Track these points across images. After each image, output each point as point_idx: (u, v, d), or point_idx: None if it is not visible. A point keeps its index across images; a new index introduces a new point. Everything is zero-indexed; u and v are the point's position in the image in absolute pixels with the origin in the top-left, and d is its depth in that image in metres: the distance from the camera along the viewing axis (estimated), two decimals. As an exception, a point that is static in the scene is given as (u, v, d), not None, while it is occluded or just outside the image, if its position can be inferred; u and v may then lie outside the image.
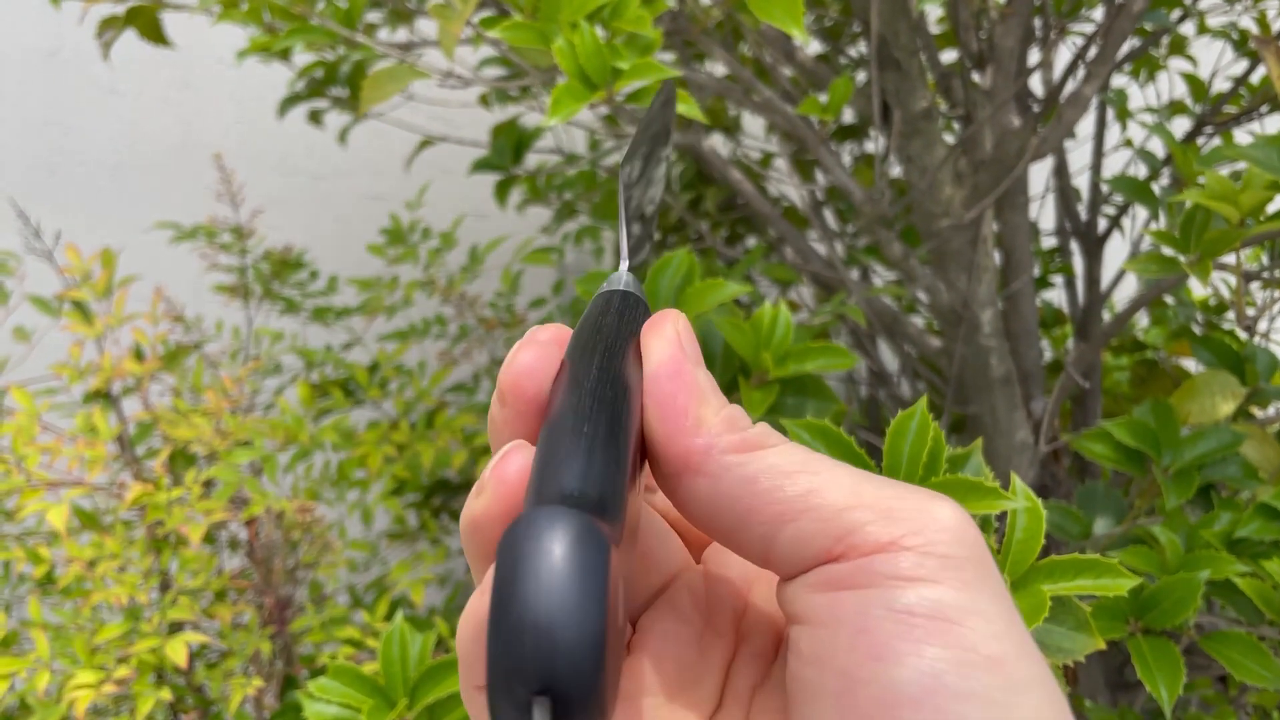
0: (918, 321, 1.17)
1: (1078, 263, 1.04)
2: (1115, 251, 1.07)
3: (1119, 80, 1.12)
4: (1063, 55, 1.15)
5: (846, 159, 1.17)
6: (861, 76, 1.01)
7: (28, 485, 0.72)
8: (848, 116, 1.11)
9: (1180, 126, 1.06)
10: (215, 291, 1.05)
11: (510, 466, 0.22)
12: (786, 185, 1.14)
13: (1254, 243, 0.61)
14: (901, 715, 0.20)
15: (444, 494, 1.01)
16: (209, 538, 0.83)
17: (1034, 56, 0.88)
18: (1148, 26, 0.89)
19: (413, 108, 1.06)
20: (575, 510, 0.20)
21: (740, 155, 1.14)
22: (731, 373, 0.60)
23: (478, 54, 1.05)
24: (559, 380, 0.24)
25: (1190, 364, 0.95)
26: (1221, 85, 1.05)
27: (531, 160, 1.08)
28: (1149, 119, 1.01)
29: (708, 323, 0.61)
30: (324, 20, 0.70)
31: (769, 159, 1.16)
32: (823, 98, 0.67)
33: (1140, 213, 1.05)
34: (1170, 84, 1.06)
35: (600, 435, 0.22)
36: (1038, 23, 0.88)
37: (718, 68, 1.10)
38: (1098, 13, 0.92)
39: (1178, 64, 1.05)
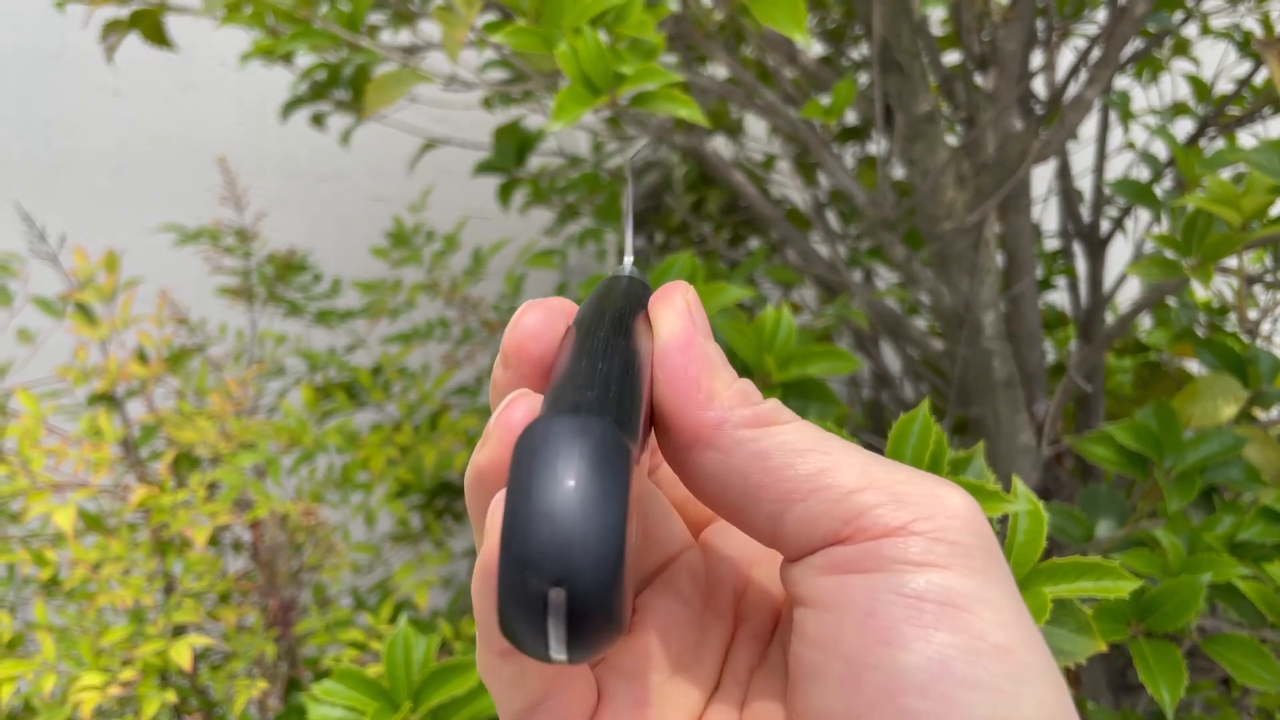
0: (920, 324, 1.17)
1: (1080, 265, 1.04)
2: (1118, 253, 1.07)
3: (1122, 82, 1.12)
4: (1065, 58, 1.15)
5: (849, 161, 1.17)
6: (864, 79, 1.01)
7: (33, 488, 0.73)
8: (850, 118, 1.11)
9: (1183, 128, 1.06)
10: (219, 294, 1.05)
11: (516, 413, 0.21)
12: (789, 187, 1.15)
13: (1256, 246, 0.61)
14: (908, 701, 0.20)
15: (447, 496, 1.01)
16: (213, 540, 0.83)
17: (1037, 59, 0.88)
18: (1150, 28, 0.89)
19: (415, 110, 1.06)
20: (595, 414, 0.19)
21: (743, 158, 1.14)
22: (734, 376, 0.60)
23: (481, 56, 1.05)
24: (564, 344, 0.23)
25: (1193, 365, 0.95)
26: (1225, 86, 1.05)
27: (534, 162, 1.08)
28: (1152, 121, 1.01)
29: (710, 326, 0.61)
30: (327, 24, 0.70)
31: (772, 161, 1.16)
32: (825, 100, 0.67)
33: (1143, 214, 1.05)
34: (1173, 85, 1.06)
35: (615, 372, 0.21)
36: (1040, 25, 0.88)
37: (720, 70, 1.11)
38: (1100, 15, 0.92)
39: (1181, 65, 1.05)
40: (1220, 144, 0.96)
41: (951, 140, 0.82)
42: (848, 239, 1.11)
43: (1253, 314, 0.85)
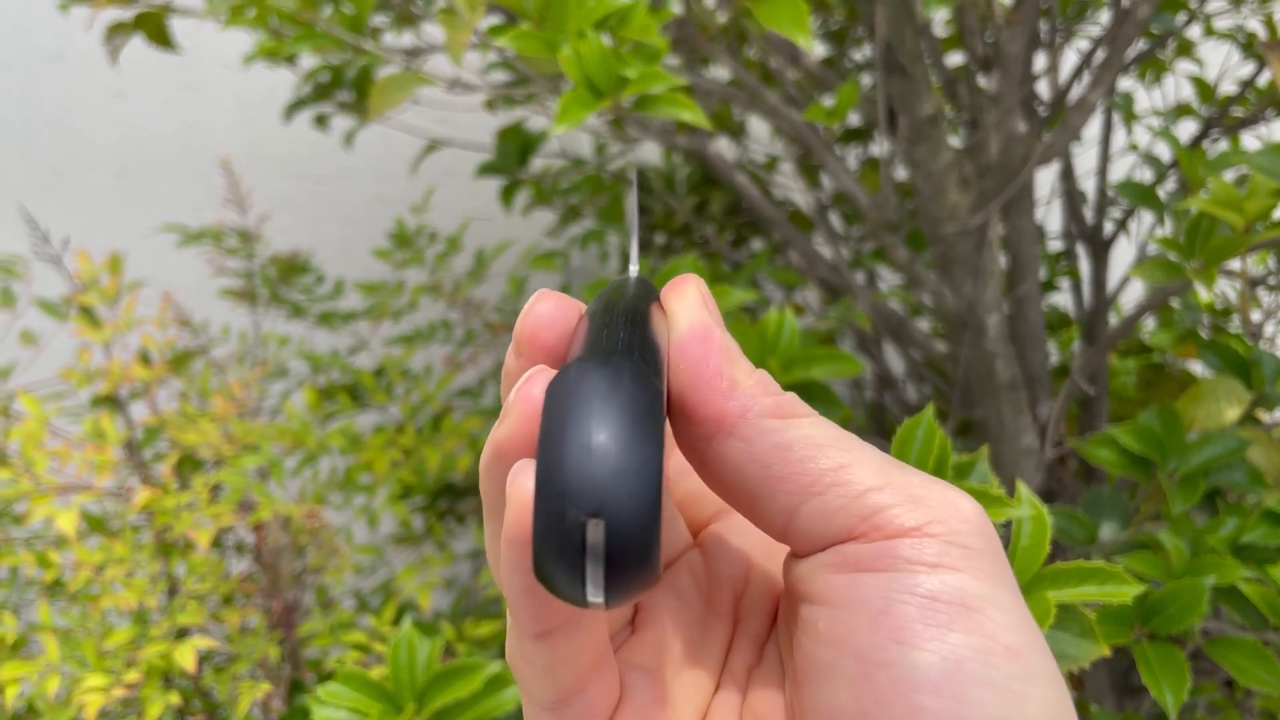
0: (923, 326, 1.17)
1: (1084, 266, 1.04)
2: (1122, 255, 1.07)
3: (1125, 83, 1.12)
4: (1069, 60, 1.15)
5: (852, 163, 1.17)
6: (867, 81, 1.01)
7: (36, 490, 0.73)
8: (853, 119, 1.11)
9: (1187, 130, 1.06)
10: (222, 296, 1.05)
11: (536, 387, 0.20)
12: (792, 189, 1.15)
13: (1259, 249, 0.61)
14: (921, 698, 0.20)
15: (450, 498, 1.01)
16: (216, 542, 0.84)
17: (1040, 61, 0.88)
18: (1154, 29, 0.89)
19: (418, 111, 1.06)
20: (626, 360, 0.19)
21: (746, 160, 1.14)
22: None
23: (484, 58, 1.05)
24: (579, 330, 0.23)
25: (1197, 367, 0.95)
26: (1229, 88, 1.05)
27: (537, 164, 1.08)
28: (1155, 123, 1.01)
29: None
30: (330, 26, 0.70)
31: (774, 163, 1.16)
32: (829, 102, 0.67)
33: (1147, 216, 1.05)
34: (1177, 87, 1.06)
35: (637, 343, 0.21)
36: (1044, 27, 0.88)
37: (723, 72, 1.11)
38: (1104, 16, 0.92)
39: (1184, 66, 1.05)
40: (1224, 146, 0.96)
41: (955, 142, 0.82)
42: (851, 241, 1.11)
43: (1256, 316, 0.85)
